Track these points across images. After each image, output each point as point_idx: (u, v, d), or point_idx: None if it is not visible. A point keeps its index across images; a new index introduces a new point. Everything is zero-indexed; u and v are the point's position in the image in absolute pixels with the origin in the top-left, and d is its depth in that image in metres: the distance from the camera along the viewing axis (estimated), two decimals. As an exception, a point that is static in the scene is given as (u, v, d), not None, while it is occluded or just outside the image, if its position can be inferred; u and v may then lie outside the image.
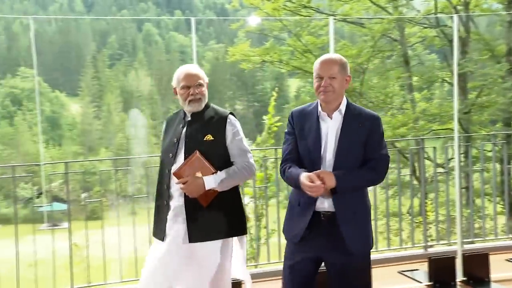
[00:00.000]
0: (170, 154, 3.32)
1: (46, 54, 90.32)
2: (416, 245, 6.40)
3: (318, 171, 2.90)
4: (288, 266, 3.11)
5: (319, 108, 3.07)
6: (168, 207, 3.29)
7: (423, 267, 5.37)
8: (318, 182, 2.83)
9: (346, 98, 3.12)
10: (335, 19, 15.27)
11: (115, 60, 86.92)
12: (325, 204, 2.97)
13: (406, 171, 9.43)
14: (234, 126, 3.34)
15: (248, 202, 7.64)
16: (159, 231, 3.31)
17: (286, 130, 3.18)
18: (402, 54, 16.73)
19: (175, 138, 3.35)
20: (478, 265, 5.14)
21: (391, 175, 10.02)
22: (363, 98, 16.45)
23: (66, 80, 78.76)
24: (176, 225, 3.23)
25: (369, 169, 3.00)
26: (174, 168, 3.26)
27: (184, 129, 3.33)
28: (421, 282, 5.18)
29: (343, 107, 3.06)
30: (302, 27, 17.10)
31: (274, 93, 10.34)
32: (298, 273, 3.07)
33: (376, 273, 5.20)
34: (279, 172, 3.22)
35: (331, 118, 3.03)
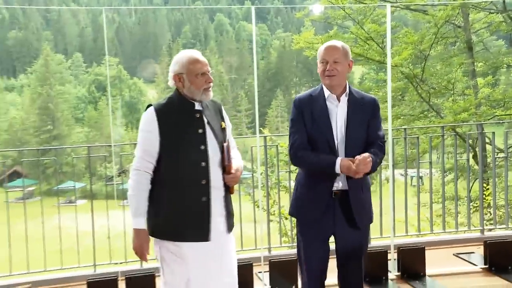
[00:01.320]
0: (202, 146, 2.89)
1: (127, 44, 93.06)
2: (472, 229, 6.20)
3: (358, 158, 2.94)
4: (310, 244, 3.17)
5: (326, 92, 3.11)
6: (209, 203, 2.90)
7: (479, 250, 5.20)
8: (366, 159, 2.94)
9: (347, 83, 3.17)
10: (393, 6, 14.95)
11: (188, 49, 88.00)
12: (339, 184, 3.07)
13: (469, 157, 9.15)
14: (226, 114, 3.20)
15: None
16: (201, 232, 2.89)
17: (291, 117, 3.19)
18: (466, 40, 16.08)
19: (199, 129, 2.93)
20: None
21: (451, 159, 9.76)
22: (424, 84, 16.02)
23: (144, 68, 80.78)
24: (218, 218, 2.94)
25: (380, 150, 3.11)
26: (216, 160, 2.92)
27: (205, 119, 2.95)
28: (476, 265, 5.02)
29: (347, 90, 3.12)
30: (365, 15, 16.74)
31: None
32: (320, 249, 3.17)
33: (431, 255, 5.11)
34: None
35: (339, 101, 3.09)
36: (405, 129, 6.44)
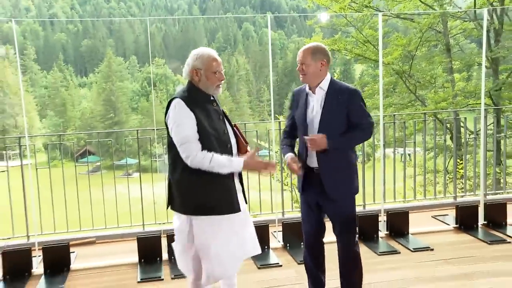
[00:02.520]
0: (225, 130, 2.69)
1: (171, 48, 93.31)
2: (448, 196, 6.13)
3: (310, 136, 2.87)
4: (302, 210, 3.15)
5: (307, 87, 3.03)
6: (233, 180, 2.71)
7: (452, 213, 5.16)
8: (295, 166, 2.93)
9: (331, 77, 2.99)
10: (384, 15, 14.77)
11: (221, 51, 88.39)
12: (312, 162, 2.96)
13: (447, 138, 9.02)
14: None
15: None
16: (234, 205, 2.68)
17: (288, 105, 3.21)
18: (445, 43, 15.87)
19: (220, 116, 2.72)
20: (497, 212, 4.90)
21: (432, 140, 9.64)
22: (411, 79, 15.92)
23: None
24: (239, 192, 2.76)
25: (358, 130, 2.92)
26: (233, 142, 2.74)
27: (218, 108, 2.74)
28: (449, 225, 5.00)
29: (324, 84, 2.95)
30: (363, 22, 16.59)
31: (335, 74, 10.27)
32: (309, 215, 3.10)
33: (414, 217, 5.09)
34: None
35: (314, 94, 2.98)
36: (394, 115, 6.37)
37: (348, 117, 2.91)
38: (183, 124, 2.55)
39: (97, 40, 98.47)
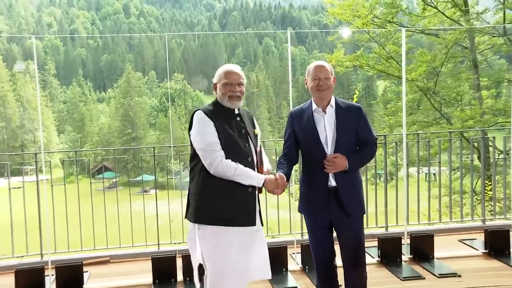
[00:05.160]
0: (246, 144, 2.77)
1: (191, 63, 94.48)
2: (475, 219, 5.97)
3: (332, 155, 2.91)
4: (314, 236, 3.10)
5: (313, 105, 3.04)
6: (254, 192, 2.77)
7: (481, 237, 5.02)
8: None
9: (334, 96, 3.06)
10: (408, 31, 14.71)
11: (241, 67, 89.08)
12: (332, 182, 2.97)
13: (474, 157, 8.84)
14: None
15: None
16: (250, 218, 2.73)
17: (286, 127, 3.20)
18: (472, 59, 15.68)
19: (242, 130, 2.79)
20: (530, 237, 4.72)
21: (459, 159, 9.46)
22: (437, 96, 15.73)
23: (204, 83, 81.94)
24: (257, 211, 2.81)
25: (367, 147, 3.03)
26: (254, 159, 2.79)
27: (242, 123, 2.82)
28: (478, 250, 4.84)
29: (333, 102, 3.03)
30: (386, 38, 16.53)
31: (357, 91, 10.33)
32: (322, 240, 3.08)
33: (439, 240, 4.96)
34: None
35: (325, 113, 3.00)
36: (418, 133, 6.29)
37: (357, 134, 2.99)
38: (206, 132, 2.67)
39: (116, 55, 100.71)
